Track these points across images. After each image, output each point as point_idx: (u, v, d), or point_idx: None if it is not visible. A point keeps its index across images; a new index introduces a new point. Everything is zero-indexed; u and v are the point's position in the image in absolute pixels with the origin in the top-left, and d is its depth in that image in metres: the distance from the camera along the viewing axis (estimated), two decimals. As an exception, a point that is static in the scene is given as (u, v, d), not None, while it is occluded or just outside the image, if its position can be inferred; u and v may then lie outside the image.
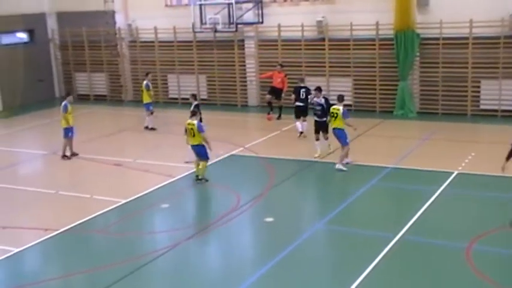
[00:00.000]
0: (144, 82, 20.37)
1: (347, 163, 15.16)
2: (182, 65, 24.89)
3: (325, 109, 15.77)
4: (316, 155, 15.96)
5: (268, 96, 21.47)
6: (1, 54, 25.02)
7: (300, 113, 18.44)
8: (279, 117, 21.14)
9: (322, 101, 16.00)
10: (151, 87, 20.35)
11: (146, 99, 20.19)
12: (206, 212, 13.01)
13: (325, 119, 15.78)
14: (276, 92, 21.19)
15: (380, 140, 18.22)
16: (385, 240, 10.79)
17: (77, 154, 17.18)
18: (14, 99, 24.57)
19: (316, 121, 16.10)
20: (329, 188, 14.44)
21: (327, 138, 16.09)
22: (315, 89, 16.37)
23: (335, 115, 15.03)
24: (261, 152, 17.08)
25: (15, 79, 24.99)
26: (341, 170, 14.87)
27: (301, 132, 18.35)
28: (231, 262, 10.73)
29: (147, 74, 20.81)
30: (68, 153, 17.06)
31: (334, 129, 15.17)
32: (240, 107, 23.89)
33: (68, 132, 16.89)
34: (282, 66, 21.34)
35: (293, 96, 18.79)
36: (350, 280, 9.42)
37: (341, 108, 15.02)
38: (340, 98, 15.34)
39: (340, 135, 15.07)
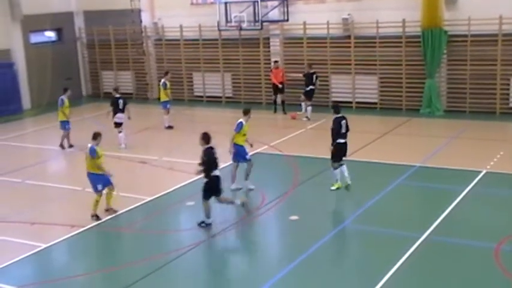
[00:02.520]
0: (162, 81, 20.46)
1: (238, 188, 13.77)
2: (207, 63, 24.97)
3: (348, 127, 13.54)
4: (335, 188, 13.53)
5: (275, 96, 22.08)
6: (30, 53, 25.41)
7: (312, 96, 20.71)
8: (275, 111, 21.97)
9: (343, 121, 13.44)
10: (168, 86, 20.38)
11: (163, 97, 20.30)
12: (231, 209, 13.01)
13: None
14: (279, 88, 21.79)
15: (406, 138, 18.05)
16: (411, 239, 10.68)
17: (72, 146, 18.33)
18: (42, 98, 24.90)
19: (340, 144, 13.31)
20: (355, 187, 14.30)
21: (341, 165, 13.56)
22: (333, 106, 13.83)
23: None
24: (286, 150, 17.04)
25: (43, 77, 25.34)
26: (250, 189, 13.73)
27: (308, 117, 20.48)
28: (256, 260, 10.72)
29: (166, 73, 20.85)
30: (65, 145, 18.36)
31: (234, 145, 13.59)
32: (265, 105, 23.87)
33: (65, 125, 18.20)
34: (276, 62, 22.14)
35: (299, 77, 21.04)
36: (375, 279, 9.34)
37: (239, 120, 13.58)
38: (245, 111, 13.78)
39: (238, 151, 13.58)
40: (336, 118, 13.36)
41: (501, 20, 19.47)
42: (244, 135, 13.65)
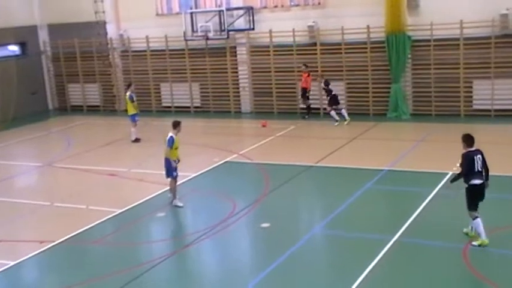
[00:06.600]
0: (128, 93, 20.10)
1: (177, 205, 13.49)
2: (175, 74, 24.91)
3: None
4: (477, 244, 10.52)
5: (301, 100, 22.14)
6: (-7, 68, 25.01)
7: (338, 100, 21.10)
8: (306, 116, 21.87)
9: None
10: (135, 98, 20.09)
11: (131, 110, 19.97)
12: (202, 219, 12.98)
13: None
14: (301, 92, 21.89)
15: (374, 142, 18.25)
16: (382, 242, 10.79)
17: None
18: (7, 113, 24.48)
19: (474, 186, 10.52)
20: (325, 193, 14.44)
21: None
22: (465, 137, 10.84)
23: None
24: (255, 158, 17.08)
25: (7, 92, 24.92)
26: (177, 206, 13.42)
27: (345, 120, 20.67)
28: (229, 269, 10.69)
29: (129, 86, 20.39)
30: None
31: (166, 159, 13.37)
32: (234, 114, 23.91)
33: None
34: (306, 66, 21.75)
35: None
36: (348, 283, 9.41)
37: (169, 135, 13.24)
38: (175, 124, 13.35)
39: (166, 165, 13.33)
40: (468, 152, 10.58)
41: (462, 24, 19.90)
42: (176, 148, 13.40)
